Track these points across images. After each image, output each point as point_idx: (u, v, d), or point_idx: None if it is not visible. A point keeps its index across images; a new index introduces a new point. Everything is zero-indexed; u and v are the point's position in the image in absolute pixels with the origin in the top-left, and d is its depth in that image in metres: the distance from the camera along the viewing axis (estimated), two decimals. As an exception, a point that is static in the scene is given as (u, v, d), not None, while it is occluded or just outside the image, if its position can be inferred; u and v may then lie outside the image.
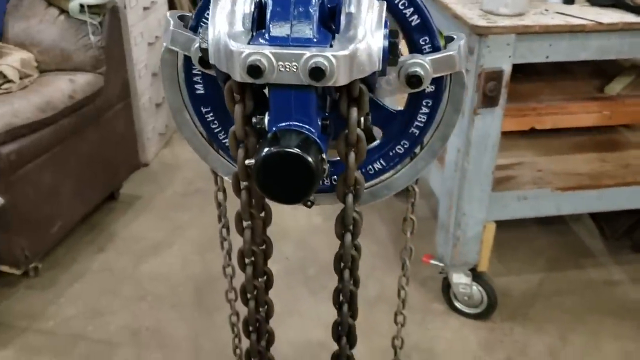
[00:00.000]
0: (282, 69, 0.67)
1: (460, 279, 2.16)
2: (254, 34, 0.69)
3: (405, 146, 0.93)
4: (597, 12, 1.81)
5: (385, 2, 0.72)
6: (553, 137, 2.16)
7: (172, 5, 3.28)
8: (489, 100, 1.81)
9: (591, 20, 1.74)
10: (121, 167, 2.84)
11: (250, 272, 0.88)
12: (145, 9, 2.92)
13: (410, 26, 0.83)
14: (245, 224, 0.83)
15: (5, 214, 2.10)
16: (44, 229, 2.34)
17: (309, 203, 0.97)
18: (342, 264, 0.87)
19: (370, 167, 0.95)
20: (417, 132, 0.91)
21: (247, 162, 0.73)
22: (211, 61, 0.71)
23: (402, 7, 0.82)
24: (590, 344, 2.10)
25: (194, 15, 0.86)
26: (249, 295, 0.92)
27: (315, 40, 0.67)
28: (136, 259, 2.55)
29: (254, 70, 0.65)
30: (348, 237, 0.83)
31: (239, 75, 0.67)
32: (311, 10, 0.68)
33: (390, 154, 0.94)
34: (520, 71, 2.11)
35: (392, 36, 0.73)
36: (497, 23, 1.73)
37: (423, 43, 0.85)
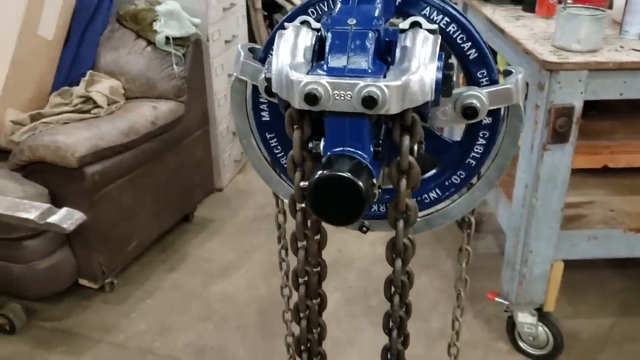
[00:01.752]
0: (337, 97, 0.71)
1: (525, 319, 2.11)
2: (314, 65, 0.74)
3: (462, 176, 0.95)
4: (677, 49, 1.77)
5: (439, 36, 0.75)
6: (627, 176, 2.10)
7: (252, 39, 3.43)
8: (558, 136, 1.79)
9: (668, 58, 1.70)
10: (197, 191, 2.96)
11: (303, 292, 0.92)
12: (226, 42, 3.06)
13: (468, 59, 0.86)
14: (299, 244, 0.87)
15: (86, 230, 2.24)
16: (121, 246, 2.47)
17: (364, 229, 1.00)
18: (393, 289, 0.89)
19: (426, 195, 0.97)
20: (473, 162, 0.93)
21: (301, 184, 0.78)
22: (274, 90, 0.76)
23: (460, 41, 0.85)
24: (664, 396, 2.00)
25: (262, 48, 0.92)
26: (301, 315, 0.95)
27: (370, 71, 0.71)
28: (205, 280, 2.64)
29: (311, 98, 0.70)
30: (399, 262, 0.85)
31: (297, 102, 0.72)
32: (367, 44, 0.72)
33: (446, 183, 0.96)
34: (595, 108, 2.07)
35: (446, 68, 0.76)
36: (569, 59, 1.72)
37: (480, 76, 0.87)
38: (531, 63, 1.80)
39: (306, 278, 0.91)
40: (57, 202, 2.20)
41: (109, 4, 2.60)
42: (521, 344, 2.17)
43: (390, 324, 0.92)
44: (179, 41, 2.54)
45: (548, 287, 2.02)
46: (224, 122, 3.17)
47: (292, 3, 3.28)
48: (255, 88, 0.93)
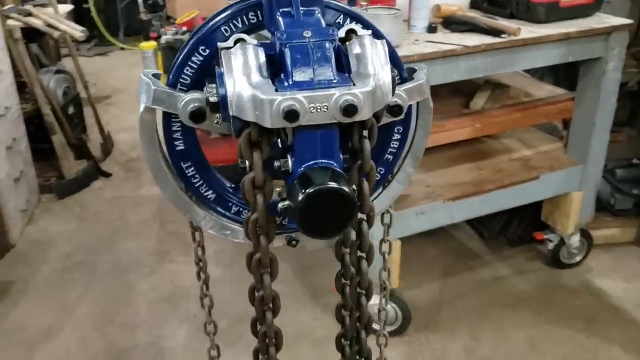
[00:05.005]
0: (314, 110, 0.69)
1: (374, 300, 2.23)
2: (274, 81, 0.71)
3: (381, 172, 0.98)
4: (460, 37, 2.03)
5: (385, 40, 0.77)
6: (432, 154, 2.35)
7: (16, 73, 3.06)
8: (382, 127, 1.93)
9: (458, 45, 1.95)
10: (-12, 253, 2.57)
11: (270, 318, 0.87)
12: (-8, 79, 2.70)
13: (380, 62, 0.90)
14: (263, 270, 0.82)
15: None
16: None
17: (293, 242, 0.98)
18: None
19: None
20: (390, 157, 0.97)
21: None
22: (232, 112, 0.71)
23: (371, 44, 0.88)
24: (499, 338, 2.29)
25: (171, 73, 0.85)
26: (268, 341, 0.90)
27: (336, 80, 0.71)
28: (26, 350, 2.31)
29: (292, 114, 0.67)
30: (364, 263, 0.86)
31: (269, 121, 0.69)
32: (328, 54, 0.71)
33: (368, 182, 0.98)
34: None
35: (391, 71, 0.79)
36: (380, 56, 1.86)
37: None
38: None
39: (271, 303, 0.86)
40: None
41: None
42: (373, 325, 2.30)
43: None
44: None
45: (391, 266, 2.17)
46: (2, 169, 2.80)
47: (57, 30, 3.01)
48: (166, 117, 0.86)
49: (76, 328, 2.42)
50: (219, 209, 0.95)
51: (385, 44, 0.77)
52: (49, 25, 3.05)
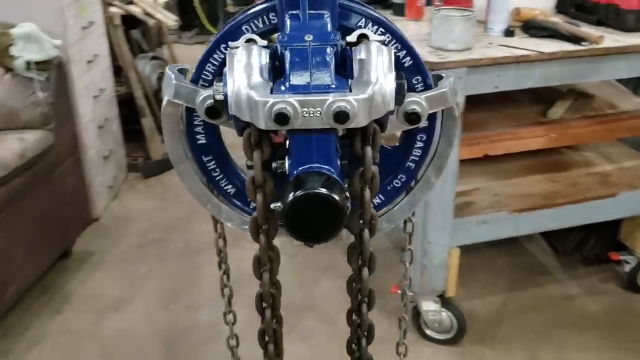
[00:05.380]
0: (307, 115, 0.69)
1: (429, 306, 2.20)
2: (273, 84, 0.72)
3: (402, 180, 0.97)
4: (537, 42, 1.94)
5: (392, 47, 0.76)
6: (504, 162, 2.27)
7: (114, 57, 3.26)
8: (446, 131, 1.89)
9: (533, 51, 1.87)
10: (73, 224, 2.75)
11: (269, 315, 0.89)
12: (88, 62, 2.89)
13: (403, 67, 0.88)
14: (263, 267, 0.84)
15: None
16: (-3, 295, 2.24)
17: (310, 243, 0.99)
18: (360, 298, 0.89)
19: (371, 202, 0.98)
20: (413, 165, 0.96)
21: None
22: (231, 112, 0.73)
23: (395, 50, 0.87)
24: (559, 359, 2.18)
25: (195, 68, 0.88)
26: (267, 339, 0.92)
27: (334, 86, 0.71)
28: (97, 318, 2.47)
29: (281, 117, 0.68)
30: (365, 271, 0.86)
31: (263, 123, 0.70)
32: (328, 59, 0.71)
33: (389, 188, 0.97)
34: (469, 102, 2.22)
35: (399, 77, 0.78)
36: (449, 58, 1.82)
37: (416, 82, 0.90)
38: (414, 64, 1.89)
39: (271, 301, 0.88)
40: None
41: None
42: (427, 331, 2.27)
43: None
44: (41, 65, 2.35)
45: (448, 273, 2.13)
46: (93, 147, 2.99)
47: (153, 18, 3.17)
48: (188, 111, 0.89)
49: (143, 302, 2.55)
50: (238, 203, 0.97)
51: (392, 50, 0.75)
52: (146, 14, 3.21)
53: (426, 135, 0.94)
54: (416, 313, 2.27)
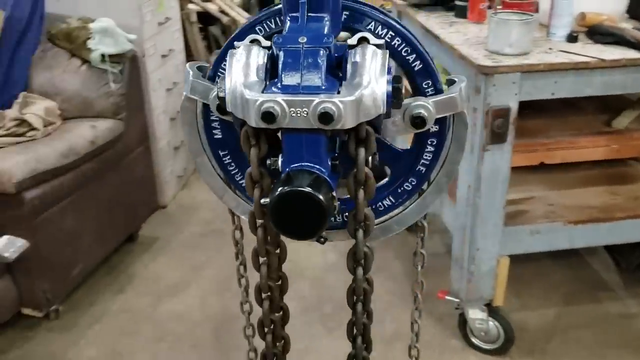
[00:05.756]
0: (294, 115, 0.72)
1: (476, 315, 2.17)
2: (267, 83, 0.75)
3: (413, 183, 0.97)
4: (600, 49, 1.86)
5: (388, 51, 0.77)
6: (563, 171, 2.19)
7: (189, 53, 3.39)
8: (497, 136, 1.86)
9: (594, 57, 1.80)
10: (140, 210, 2.90)
11: (267, 307, 0.92)
12: (163, 56, 3.02)
13: (413, 71, 0.89)
14: (261, 260, 0.87)
15: (27, 257, 2.16)
16: (65, 271, 2.40)
17: (322, 240, 1.00)
18: (355, 298, 0.90)
19: (380, 203, 0.99)
20: (423, 169, 0.96)
21: (262, 201, 0.78)
22: (228, 109, 0.76)
23: (405, 54, 0.88)
24: (609, 379, 2.10)
25: (211, 66, 0.92)
26: (266, 330, 0.95)
27: (323, 87, 0.73)
28: (155, 300, 2.59)
29: (268, 116, 0.71)
30: (360, 271, 0.87)
31: (254, 121, 0.73)
32: (319, 61, 0.73)
33: (399, 190, 0.98)
34: (529, 108, 2.16)
35: (395, 81, 0.79)
36: (502, 62, 1.79)
37: (426, 86, 0.90)
38: (467, 68, 1.86)
39: (269, 293, 0.91)
40: (-6, 230, 2.13)
41: (40, 23, 2.53)
42: (474, 340, 2.23)
43: (354, 331, 0.93)
44: (115, 58, 2.49)
45: (496, 282, 2.09)
46: (164, 137, 3.13)
47: (227, 15, 3.27)
48: (206, 107, 0.93)
49: (199, 288, 2.65)
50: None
51: (387, 54, 0.76)
52: (222, 11, 3.32)
53: (437, 139, 0.93)
54: (462, 320, 2.24)
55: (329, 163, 0.77)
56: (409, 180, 0.97)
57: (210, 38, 3.84)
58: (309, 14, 0.78)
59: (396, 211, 1.00)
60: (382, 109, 0.75)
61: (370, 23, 0.87)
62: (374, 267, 2.63)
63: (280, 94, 0.72)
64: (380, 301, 2.52)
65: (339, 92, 0.72)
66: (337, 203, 0.77)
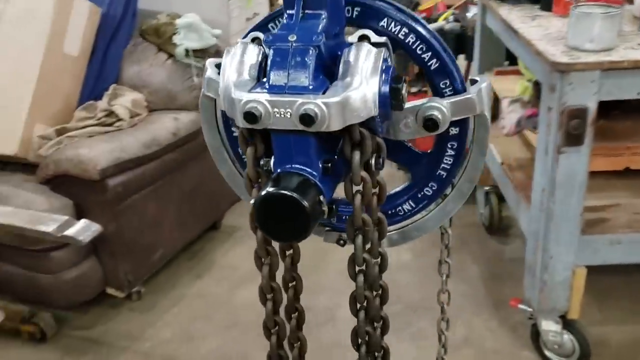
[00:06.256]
0: (278, 115, 0.70)
1: (549, 326, 2.04)
2: (258, 82, 0.74)
3: (434, 188, 0.92)
4: (698, 45, 1.69)
5: (383, 49, 0.74)
6: (653, 178, 2.02)
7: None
8: (573, 138, 1.73)
9: (688, 54, 1.63)
10: (222, 200, 2.98)
11: (270, 307, 0.91)
12: (249, 50, 3.09)
13: (429, 70, 0.84)
14: (264, 260, 0.87)
15: (111, 241, 2.30)
16: (146, 256, 2.52)
17: (341, 242, 0.99)
18: (358, 305, 0.88)
19: (400, 208, 0.96)
20: (444, 174, 0.91)
21: (251, 201, 0.78)
22: (221, 108, 0.76)
23: (420, 52, 0.84)
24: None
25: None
26: (272, 331, 0.95)
27: (310, 87, 0.71)
28: (231, 287, 2.67)
29: (249, 116, 0.70)
30: (360, 278, 0.84)
31: (240, 121, 0.72)
32: (307, 60, 0.71)
33: (419, 195, 0.94)
34: (618, 108, 2.00)
35: (395, 82, 0.75)
36: (580, 59, 1.67)
37: (443, 86, 0.85)
38: (542, 64, 1.75)
39: (272, 294, 0.90)
40: (81, 213, 2.28)
41: (132, 19, 2.67)
42: (547, 353, 2.11)
43: (359, 340, 0.91)
44: (199, 53, 2.57)
45: (571, 293, 1.96)
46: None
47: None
48: (225, 104, 0.94)
49: (273, 279, 2.70)
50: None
51: (383, 53, 0.73)
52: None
53: (457, 143, 0.88)
54: (535, 331, 2.12)
55: (320, 165, 0.75)
56: (430, 185, 0.93)
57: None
58: (306, 11, 0.76)
59: (417, 216, 0.96)
60: (374, 110, 0.72)
61: (383, 19, 0.84)
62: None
63: (265, 94, 0.71)
64: (452, 305, 2.44)
65: (324, 93, 0.70)
66: (325, 208, 0.74)
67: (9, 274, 2.36)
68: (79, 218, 2.25)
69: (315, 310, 2.48)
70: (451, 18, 2.71)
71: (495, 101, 2.40)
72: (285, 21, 0.77)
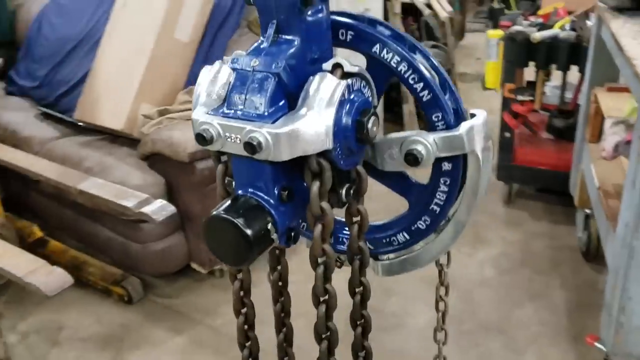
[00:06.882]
0: (229, 140, 0.71)
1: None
2: (222, 103, 0.74)
3: (427, 222, 0.88)
4: None
5: (344, 82, 0.71)
6: None
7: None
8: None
9: None
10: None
11: (242, 321, 0.92)
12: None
13: (422, 101, 0.80)
14: (236, 282, 0.88)
15: (197, 219, 2.43)
16: (230, 236, 2.63)
17: (338, 263, 0.98)
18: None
19: (394, 238, 0.92)
20: (437, 209, 0.87)
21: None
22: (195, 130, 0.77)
23: (412, 82, 0.80)
24: None
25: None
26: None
27: (265, 114, 0.70)
28: (305, 279, 2.69)
29: (199, 138, 0.71)
30: (322, 308, 0.83)
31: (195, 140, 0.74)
32: (265, 87, 0.70)
33: (413, 228, 0.90)
34: None
35: (361, 115, 0.72)
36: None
37: (436, 119, 0.80)
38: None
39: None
40: (172, 191, 2.43)
41: (240, 10, 2.76)
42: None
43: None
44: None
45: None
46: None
47: (430, 8, 3.19)
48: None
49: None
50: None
51: (343, 85, 0.70)
52: (427, 5, 3.26)
53: (450, 179, 0.84)
54: (609, 375, 1.95)
55: (276, 192, 0.74)
56: (423, 219, 0.89)
57: (422, 29, 3.78)
58: (281, 36, 0.75)
59: (414, 247, 0.92)
60: (328, 143, 0.70)
61: (375, 45, 0.81)
62: (533, 293, 2.47)
63: (219, 117, 0.71)
64: (528, 331, 2.31)
65: (274, 122, 0.69)
66: (274, 235, 0.74)
67: (108, 238, 2.57)
68: (169, 196, 2.41)
69: (385, 314, 2.45)
70: (568, 26, 2.52)
71: (601, 120, 2.21)
72: (255, 45, 0.77)
